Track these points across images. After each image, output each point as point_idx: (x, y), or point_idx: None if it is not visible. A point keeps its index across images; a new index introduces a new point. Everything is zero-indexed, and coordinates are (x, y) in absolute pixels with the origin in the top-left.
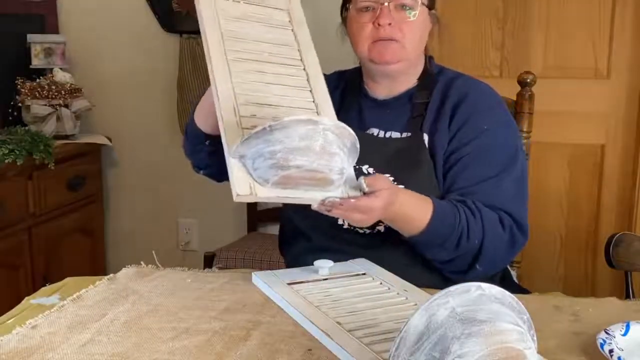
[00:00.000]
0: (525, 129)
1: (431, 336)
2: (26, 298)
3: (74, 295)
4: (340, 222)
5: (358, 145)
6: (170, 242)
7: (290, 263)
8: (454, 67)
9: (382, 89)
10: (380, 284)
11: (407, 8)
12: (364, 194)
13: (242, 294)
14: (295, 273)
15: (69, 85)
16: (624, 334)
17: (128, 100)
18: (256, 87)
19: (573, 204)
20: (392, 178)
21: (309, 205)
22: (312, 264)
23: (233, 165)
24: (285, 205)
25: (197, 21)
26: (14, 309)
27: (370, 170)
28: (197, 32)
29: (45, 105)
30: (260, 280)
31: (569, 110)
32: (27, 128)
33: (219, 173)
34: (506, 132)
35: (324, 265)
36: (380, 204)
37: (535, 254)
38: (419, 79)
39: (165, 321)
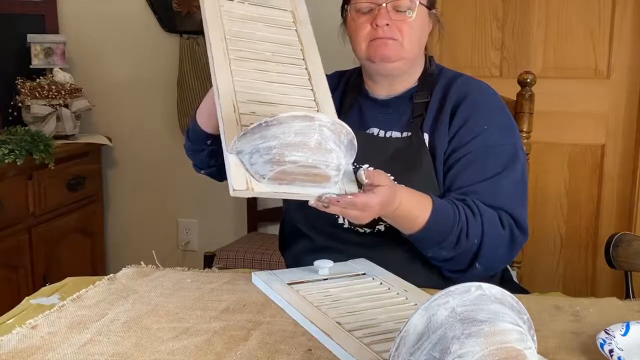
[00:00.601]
0: (525, 129)
1: (431, 336)
2: (26, 298)
3: (74, 295)
4: (340, 221)
5: (356, 143)
6: (170, 242)
7: (291, 263)
8: (454, 67)
9: (381, 89)
10: (380, 284)
11: (405, 9)
12: (362, 188)
13: (242, 294)
14: (295, 273)
15: (69, 85)
16: (624, 334)
17: (128, 100)
18: (257, 85)
19: (573, 204)
20: (392, 178)
21: (307, 202)
22: (312, 264)
23: (230, 161)
24: (286, 204)
25: (197, 21)
26: (14, 309)
27: (371, 169)
28: (197, 32)
29: (45, 105)
30: (260, 280)
31: (569, 110)
32: (27, 128)
33: (220, 173)
34: (506, 132)
35: (324, 265)
36: (377, 201)
37: (535, 254)
38: (419, 78)
39: (165, 321)
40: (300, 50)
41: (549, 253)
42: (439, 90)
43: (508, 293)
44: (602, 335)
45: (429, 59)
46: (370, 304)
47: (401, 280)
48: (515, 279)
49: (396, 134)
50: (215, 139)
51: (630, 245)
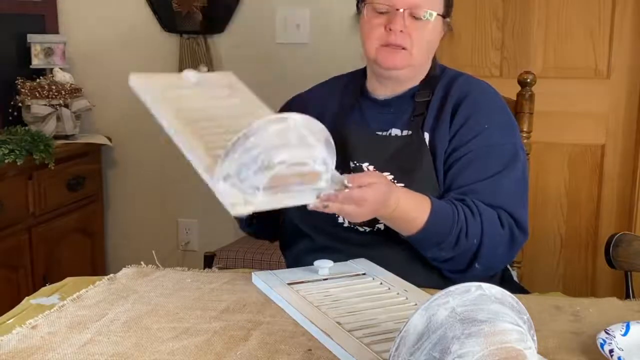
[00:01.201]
0: (525, 129)
1: (431, 336)
2: (26, 298)
3: (74, 295)
4: (340, 220)
5: (332, 142)
6: (170, 242)
7: (291, 263)
8: (454, 67)
9: (385, 89)
10: (381, 284)
11: (422, 17)
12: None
13: (242, 294)
14: (295, 273)
15: (69, 85)
16: (624, 334)
17: (128, 100)
18: (222, 137)
19: (573, 204)
20: (392, 176)
21: (306, 207)
22: (313, 264)
23: (222, 190)
24: None
25: (197, 21)
26: (14, 309)
27: (371, 167)
28: (197, 32)
29: (45, 105)
30: (260, 280)
31: (569, 110)
32: (27, 128)
33: (270, 235)
34: (507, 131)
35: (324, 265)
36: (373, 195)
37: (535, 254)
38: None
39: (165, 321)
40: (249, 106)
41: (549, 253)
42: (440, 89)
43: (508, 293)
44: (602, 335)
45: (433, 61)
46: (370, 304)
47: (401, 280)
48: (515, 279)
49: (396, 132)
50: (259, 214)
51: (630, 245)
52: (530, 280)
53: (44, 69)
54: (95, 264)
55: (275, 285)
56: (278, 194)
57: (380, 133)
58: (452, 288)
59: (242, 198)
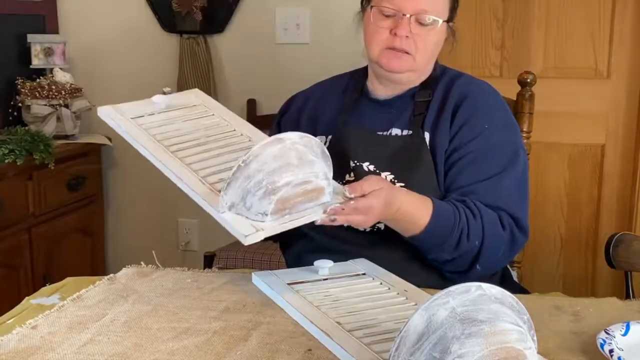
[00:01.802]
0: (525, 129)
1: (431, 336)
2: (26, 298)
3: (74, 295)
4: None
5: (327, 153)
6: (170, 242)
7: (291, 263)
8: (454, 67)
9: (385, 90)
10: (380, 284)
11: (428, 24)
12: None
13: (242, 294)
14: (295, 273)
15: (69, 85)
16: (624, 334)
17: (128, 100)
18: (210, 161)
19: (573, 204)
20: (392, 176)
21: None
22: (313, 264)
23: (228, 219)
24: None
25: (197, 21)
26: (14, 309)
27: (371, 167)
28: (197, 32)
29: (45, 105)
30: (260, 280)
31: (569, 110)
32: (27, 128)
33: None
34: (507, 132)
35: (324, 265)
36: (378, 202)
37: (535, 254)
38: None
39: (165, 321)
40: (227, 124)
41: (549, 253)
42: (441, 90)
43: (508, 293)
44: (602, 335)
45: (434, 64)
46: (370, 304)
47: (401, 280)
48: (515, 279)
49: (397, 132)
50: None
51: (630, 245)
52: (530, 280)
53: (44, 69)
54: (95, 264)
55: (275, 285)
56: (286, 216)
57: (380, 133)
58: (452, 288)
59: (250, 226)
